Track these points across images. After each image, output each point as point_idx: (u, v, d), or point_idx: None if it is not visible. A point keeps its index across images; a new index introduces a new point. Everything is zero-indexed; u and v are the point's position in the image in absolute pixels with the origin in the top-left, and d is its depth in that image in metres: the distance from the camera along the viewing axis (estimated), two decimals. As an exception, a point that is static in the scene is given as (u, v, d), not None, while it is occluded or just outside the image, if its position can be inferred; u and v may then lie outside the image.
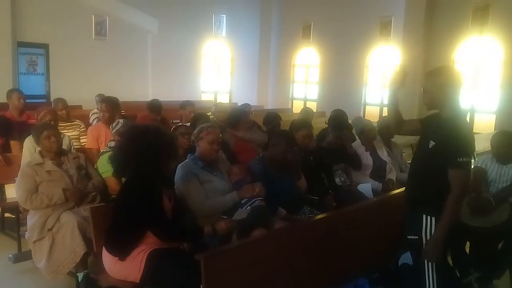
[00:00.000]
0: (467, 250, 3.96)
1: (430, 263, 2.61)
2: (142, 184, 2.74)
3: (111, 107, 5.07)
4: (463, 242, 3.90)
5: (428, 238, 2.59)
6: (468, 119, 9.82)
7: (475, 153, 4.79)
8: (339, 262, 3.10)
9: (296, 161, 3.81)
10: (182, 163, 3.35)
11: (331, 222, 3.13)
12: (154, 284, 2.74)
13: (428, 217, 2.58)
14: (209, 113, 6.20)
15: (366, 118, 10.58)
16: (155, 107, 6.31)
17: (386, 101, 11.23)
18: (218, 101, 12.06)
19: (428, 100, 2.62)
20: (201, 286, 2.31)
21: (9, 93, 5.47)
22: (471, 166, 2.54)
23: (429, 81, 2.62)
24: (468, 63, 9.86)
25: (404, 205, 2.84)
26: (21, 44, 9.33)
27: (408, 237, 2.68)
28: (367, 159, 4.69)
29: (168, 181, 3.10)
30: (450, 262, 3.48)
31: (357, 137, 4.99)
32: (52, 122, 4.50)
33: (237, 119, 5.03)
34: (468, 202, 3.66)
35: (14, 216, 4.36)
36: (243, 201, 3.26)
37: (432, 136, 2.58)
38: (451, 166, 2.47)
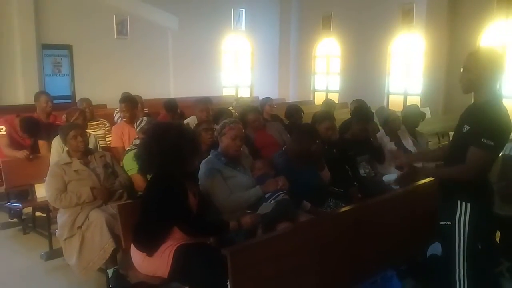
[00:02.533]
0: (497, 239, 3.88)
1: (461, 252, 2.56)
2: (167, 180, 2.78)
3: (130, 106, 5.14)
4: (493, 232, 3.82)
5: (462, 225, 2.54)
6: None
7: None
8: (366, 254, 3.07)
9: (319, 153, 3.79)
10: (205, 159, 3.37)
11: (357, 214, 3.10)
12: (182, 279, 2.78)
13: (463, 203, 2.53)
14: (230, 108, 6.21)
15: (389, 107, 10.45)
16: (171, 106, 6.36)
17: (409, 90, 11.19)
18: (239, 96, 12.09)
19: (466, 80, 2.53)
20: (228, 280, 2.32)
21: (37, 96, 5.58)
22: (494, 153, 2.45)
23: (471, 61, 2.51)
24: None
25: (437, 191, 2.78)
26: (46, 46, 9.52)
27: (440, 223, 2.64)
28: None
29: (193, 177, 3.13)
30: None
31: (380, 128, 4.93)
32: (87, 123, 4.64)
33: (244, 117, 4.95)
34: (497, 190, 3.57)
35: (44, 215, 4.49)
36: (267, 195, 3.26)
37: (466, 121, 2.52)
38: (473, 144, 2.41)
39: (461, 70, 2.55)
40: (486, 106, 2.46)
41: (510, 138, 2.58)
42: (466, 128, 2.50)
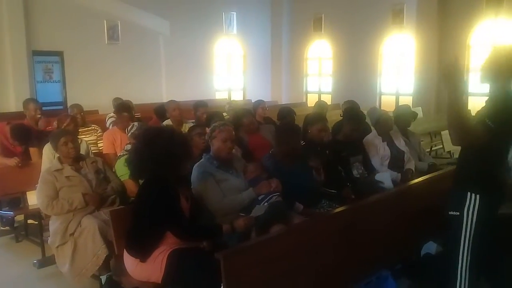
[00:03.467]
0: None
1: (466, 244, 2.58)
2: (159, 185, 2.76)
3: (131, 115, 5.14)
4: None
5: (470, 216, 2.57)
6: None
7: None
8: (360, 254, 3.07)
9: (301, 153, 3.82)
10: (197, 163, 3.36)
11: (351, 215, 3.10)
12: (175, 284, 2.76)
13: (473, 195, 2.56)
14: (225, 114, 6.19)
15: (382, 107, 10.49)
16: (161, 112, 6.35)
17: (401, 90, 11.26)
18: (232, 99, 12.09)
19: (483, 73, 2.62)
20: (221, 284, 2.31)
21: (26, 103, 5.55)
22: (492, 135, 2.43)
23: (491, 56, 2.60)
24: (484, 47, 9.66)
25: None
26: (37, 53, 9.48)
27: (449, 213, 2.66)
28: (384, 149, 4.63)
29: (185, 181, 3.12)
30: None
31: (373, 128, 4.94)
32: (78, 129, 4.61)
33: (238, 121, 4.95)
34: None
35: (37, 223, 4.45)
36: (260, 198, 3.25)
37: (478, 114, 2.57)
38: (477, 122, 2.45)
39: (485, 61, 2.61)
40: (497, 99, 2.52)
41: None
42: (474, 121, 2.55)
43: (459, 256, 2.61)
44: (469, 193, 2.57)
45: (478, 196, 2.55)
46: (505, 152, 2.66)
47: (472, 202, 2.56)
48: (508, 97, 2.52)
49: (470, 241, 2.58)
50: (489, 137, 2.42)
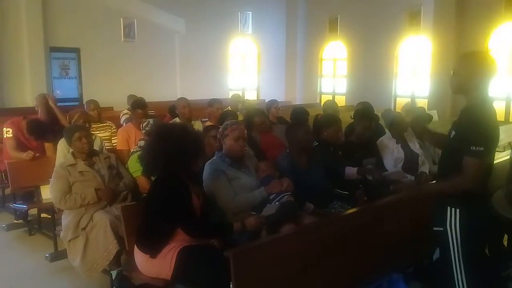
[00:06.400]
0: (505, 243, 3.83)
1: (457, 257, 2.52)
2: (171, 182, 2.77)
3: (146, 111, 5.19)
4: (501, 235, 3.77)
5: (453, 230, 2.51)
6: (503, 107, 9.49)
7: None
8: (372, 257, 3.04)
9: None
10: (209, 160, 3.36)
11: (362, 217, 3.08)
12: (185, 281, 2.76)
13: (453, 209, 2.51)
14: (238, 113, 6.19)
15: (397, 110, 10.39)
16: (173, 110, 6.37)
17: (417, 93, 11.12)
18: (245, 99, 12.08)
19: (455, 84, 2.52)
20: (231, 282, 2.31)
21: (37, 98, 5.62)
22: (486, 157, 2.38)
23: (461, 64, 2.51)
24: (502, 50, 9.52)
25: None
26: (54, 49, 9.60)
27: (433, 228, 2.62)
28: (398, 152, 4.58)
29: (197, 178, 3.12)
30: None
31: (387, 130, 4.89)
32: (87, 125, 4.65)
33: (250, 120, 4.94)
34: (506, 194, 3.53)
35: (50, 216, 4.49)
36: (271, 197, 3.24)
37: (454, 126, 2.51)
38: (464, 153, 2.38)
39: (451, 73, 2.53)
40: (473, 110, 2.43)
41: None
42: (452, 133, 2.49)
43: (453, 270, 2.55)
44: (449, 208, 2.52)
45: (458, 210, 2.49)
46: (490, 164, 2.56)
47: (453, 217, 2.50)
48: (483, 106, 2.43)
49: (460, 254, 2.52)
50: (485, 159, 2.36)
